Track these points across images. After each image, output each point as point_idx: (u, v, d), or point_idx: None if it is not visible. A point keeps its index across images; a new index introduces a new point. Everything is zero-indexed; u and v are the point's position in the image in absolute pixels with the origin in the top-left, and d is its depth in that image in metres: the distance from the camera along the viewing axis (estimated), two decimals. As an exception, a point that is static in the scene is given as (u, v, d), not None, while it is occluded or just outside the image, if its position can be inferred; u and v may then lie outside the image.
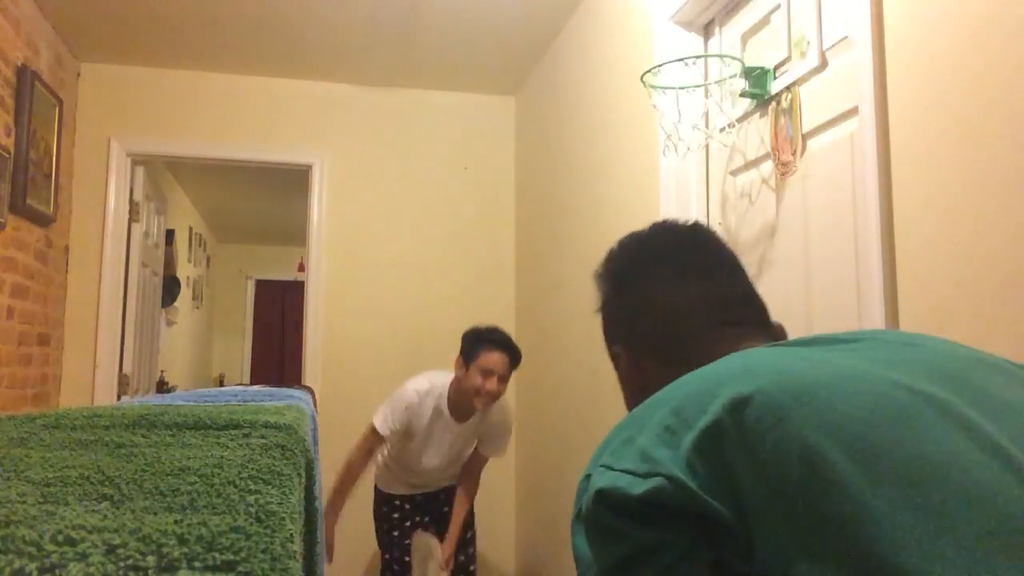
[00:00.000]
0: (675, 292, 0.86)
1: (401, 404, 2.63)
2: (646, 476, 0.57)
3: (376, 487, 2.89)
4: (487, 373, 2.52)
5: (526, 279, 3.79)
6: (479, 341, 2.57)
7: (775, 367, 0.63)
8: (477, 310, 3.87)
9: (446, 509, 2.86)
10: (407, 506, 2.84)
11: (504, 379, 2.56)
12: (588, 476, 0.64)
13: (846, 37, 1.59)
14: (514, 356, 2.60)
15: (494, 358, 2.53)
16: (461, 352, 2.61)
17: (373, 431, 2.67)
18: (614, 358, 0.92)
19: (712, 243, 0.91)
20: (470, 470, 2.84)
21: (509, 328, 3.88)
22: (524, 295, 3.81)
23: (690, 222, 0.95)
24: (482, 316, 3.86)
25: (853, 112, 1.54)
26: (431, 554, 2.68)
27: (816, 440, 0.54)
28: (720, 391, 0.59)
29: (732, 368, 0.65)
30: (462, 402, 2.63)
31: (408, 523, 2.84)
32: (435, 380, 2.68)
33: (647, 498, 0.56)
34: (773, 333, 0.86)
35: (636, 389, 0.88)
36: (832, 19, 1.65)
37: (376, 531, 2.87)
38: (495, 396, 2.56)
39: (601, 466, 0.62)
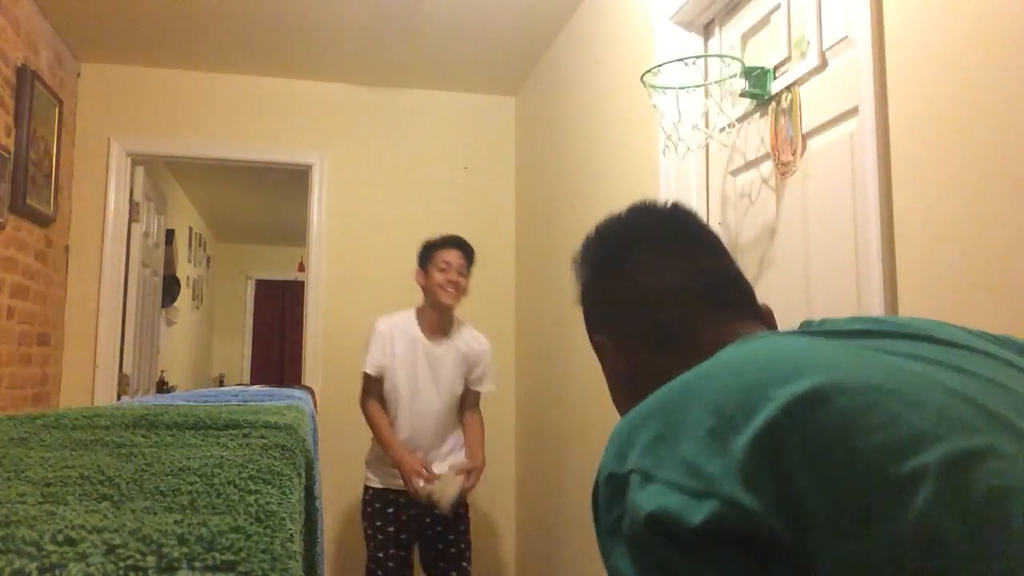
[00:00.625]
0: (661, 274, 0.83)
1: (375, 338, 2.76)
2: (700, 497, 0.52)
3: (366, 487, 2.80)
4: (445, 267, 2.70)
5: (526, 279, 3.79)
6: (431, 246, 2.78)
7: (823, 363, 0.58)
8: (477, 309, 3.86)
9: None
10: (401, 500, 2.74)
11: (462, 273, 2.73)
12: (617, 476, 0.58)
13: (846, 37, 1.59)
14: (467, 250, 2.77)
15: (447, 253, 2.73)
16: (418, 263, 2.78)
17: (366, 377, 2.77)
18: (598, 348, 0.89)
19: (694, 224, 0.88)
20: (468, 405, 2.87)
21: (509, 328, 3.91)
22: (524, 295, 3.81)
23: (669, 203, 0.91)
24: (482, 315, 3.87)
25: (853, 112, 1.54)
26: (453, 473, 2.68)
27: (887, 456, 0.51)
28: (770, 390, 0.55)
29: (771, 360, 0.60)
30: (432, 316, 2.76)
31: (404, 516, 2.75)
32: (400, 313, 2.83)
33: (705, 528, 0.51)
34: (763, 317, 0.84)
35: (625, 379, 0.85)
36: (832, 19, 1.65)
37: (365, 534, 2.77)
38: (457, 287, 2.72)
39: (635, 472, 0.56)
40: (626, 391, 0.85)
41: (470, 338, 2.85)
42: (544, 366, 3.42)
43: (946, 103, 1.27)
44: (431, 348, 2.76)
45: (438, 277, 2.70)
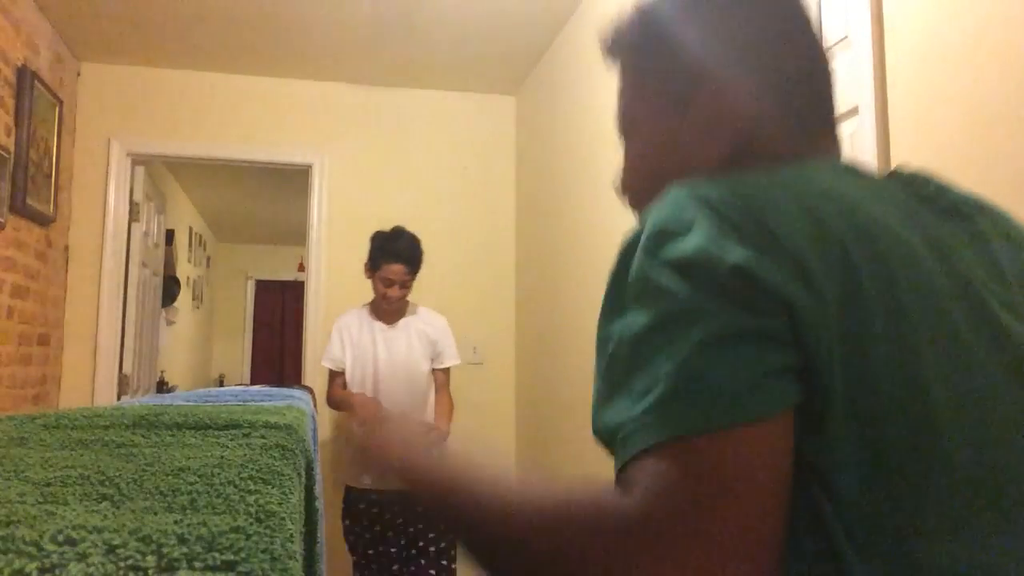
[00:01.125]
0: (764, 47, 0.67)
1: (332, 335, 2.89)
2: (737, 240, 0.51)
3: (349, 487, 2.82)
4: (388, 283, 2.78)
5: (526, 279, 3.79)
6: (381, 252, 2.79)
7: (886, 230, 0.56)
8: (476, 309, 3.87)
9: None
10: (385, 499, 2.76)
11: (405, 285, 2.81)
12: (644, 240, 0.54)
13: (846, 37, 1.59)
14: (412, 266, 2.80)
15: (393, 269, 2.77)
16: (368, 256, 2.84)
17: (328, 373, 2.89)
18: (645, 113, 0.72)
19: (809, 16, 0.70)
20: (438, 388, 2.93)
21: (509, 328, 3.90)
22: (524, 295, 3.81)
23: None
24: (482, 315, 3.87)
25: (853, 112, 1.54)
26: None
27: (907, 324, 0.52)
28: (834, 222, 0.53)
29: (848, 207, 0.56)
30: (383, 306, 2.88)
31: (388, 515, 2.77)
32: (356, 308, 2.96)
33: (739, 268, 0.50)
34: (840, 143, 0.72)
35: (660, 162, 0.71)
36: (832, 19, 1.65)
37: (351, 533, 2.79)
38: (397, 300, 2.83)
39: (661, 230, 0.54)
40: (651, 178, 0.72)
41: (426, 316, 2.95)
42: (544, 366, 3.42)
43: (946, 103, 1.27)
44: (387, 331, 2.88)
45: (380, 288, 2.80)
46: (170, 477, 0.62)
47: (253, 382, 7.10)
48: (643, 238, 0.55)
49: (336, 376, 2.88)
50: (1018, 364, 0.56)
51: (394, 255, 2.77)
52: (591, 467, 2.76)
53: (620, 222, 2.58)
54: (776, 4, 0.69)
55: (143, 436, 0.84)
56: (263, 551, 0.46)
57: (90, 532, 0.45)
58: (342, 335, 2.87)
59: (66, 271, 3.49)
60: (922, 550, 0.50)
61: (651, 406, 0.50)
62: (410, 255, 2.79)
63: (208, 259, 7.64)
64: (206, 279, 7.53)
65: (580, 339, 2.94)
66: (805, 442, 0.51)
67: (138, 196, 3.72)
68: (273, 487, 0.61)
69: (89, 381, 3.47)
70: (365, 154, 3.87)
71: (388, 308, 2.84)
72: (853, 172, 0.65)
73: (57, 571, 0.41)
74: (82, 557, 0.42)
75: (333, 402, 2.88)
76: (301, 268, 7.17)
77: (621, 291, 0.56)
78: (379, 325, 2.88)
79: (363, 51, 3.49)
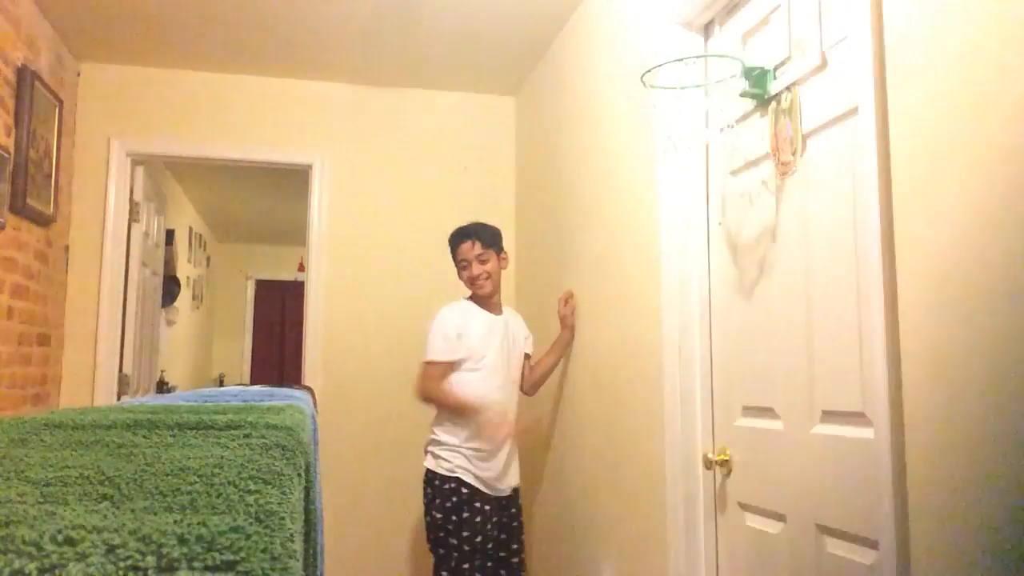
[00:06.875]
0: None
1: (444, 323, 2.78)
2: None
3: (457, 480, 2.69)
4: (464, 265, 2.84)
5: (526, 279, 3.79)
6: (450, 243, 2.90)
7: None
8: (477, 310, 3.86)
9: (515, 524, 2.84)
10: (487, 507, 2.70)
11: (482, 260, 2.82)
12: None
13: (846, 37, 1.59)
14: (480, 236, 2.84)
15: (462, 249, 2.84)
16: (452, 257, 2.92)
17: (431, 365, 2.75)
18: None
19: None
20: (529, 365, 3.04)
21: (509, 328, 3.90)
22: (524, 295, 3.81)
23: None
24: (482, 316, 3.86)
25: (853, 112, 1.54)
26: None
27: None
28: None
29: None
30: (483, 300, 2.87)
31: (489, 526, 2.70)
32: (460, 302, 2.90)
33: None
34: None
35: None
36: (832, 19, 1.65)
37: (454, 537, 2.66)
38: (483, 276, 2.81)
39: None
40: None
41: (512, 315, 3.04)
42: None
43: (946, 102, 1.27)
44: (494, 319, 2.86)
45: (463, 275, 2.85)
46: (170, 477, 0.62)
47: (253, 382, 7.09)
48: None
49: (438, 367, 2.73)
50: None
51: (459, 235, 2.86)
52: (591, 466, 2.76)
53: (619, 222, 2.58)
54: None
55: (143, 436, 0.84)
56: (263, 551, 0.46)
57: (90, 532, 0.45)
58: (459, 328, 2.75)
59: (66, 271, 3.49)
60: None
61: None
62: (476, 230, 2.85)
63: (208, 259, 7.64)
64: (206, 279, 7.54)
65: (580, 337, 2.94)
66: None
67: (138, 196, 3.72)
68: (273, 487, 0.61)
69: (89, 381, 3.47)
70: (365, 154, 3.87)
71: (483, 293, 2.81)
72: None
73: (57, 571, 0.41)
74: (82, 557, 0.42)
75: (448, 398, 2.73)
76: (301, 268, 7.16)
77: None
78: (490, 317, 2.84)
79: (363, 51, 3.49)
